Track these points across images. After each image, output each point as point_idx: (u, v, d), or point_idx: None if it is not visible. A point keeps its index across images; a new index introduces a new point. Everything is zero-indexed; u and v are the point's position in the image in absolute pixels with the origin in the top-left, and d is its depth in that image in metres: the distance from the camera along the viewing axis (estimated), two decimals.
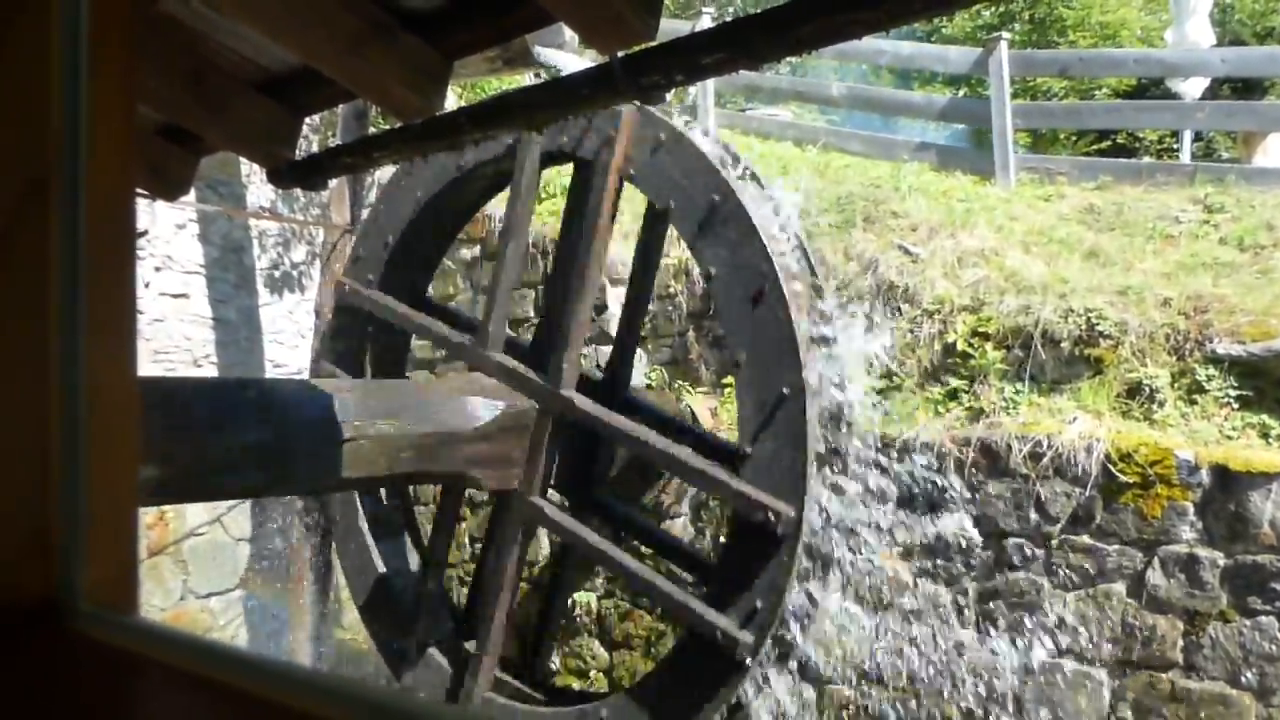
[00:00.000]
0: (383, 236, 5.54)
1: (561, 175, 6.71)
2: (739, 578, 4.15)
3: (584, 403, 4.60)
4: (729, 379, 5.46)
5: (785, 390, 4.01)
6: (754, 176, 4.54)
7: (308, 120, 3.36)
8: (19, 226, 0.58)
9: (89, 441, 0.58)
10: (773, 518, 3.97)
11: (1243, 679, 4.15)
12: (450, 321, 5.59)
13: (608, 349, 5.68)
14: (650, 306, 5.89)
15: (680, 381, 5.98)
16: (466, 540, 6.64)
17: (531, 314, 6.61)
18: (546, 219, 6.57)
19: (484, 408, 4.65)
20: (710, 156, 4.33)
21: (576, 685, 5.85)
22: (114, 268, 0.60)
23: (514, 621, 5.18)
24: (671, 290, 6.07)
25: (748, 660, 4.03)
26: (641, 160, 4.49)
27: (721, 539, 5.28)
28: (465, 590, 6.24)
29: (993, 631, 4.69)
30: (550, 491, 4.94)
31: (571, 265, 4.86)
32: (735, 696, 4.18)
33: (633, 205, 6.21)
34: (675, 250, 5.98)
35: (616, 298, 6.11)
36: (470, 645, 5.15)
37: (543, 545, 6.18)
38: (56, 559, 0.57)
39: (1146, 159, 9.34)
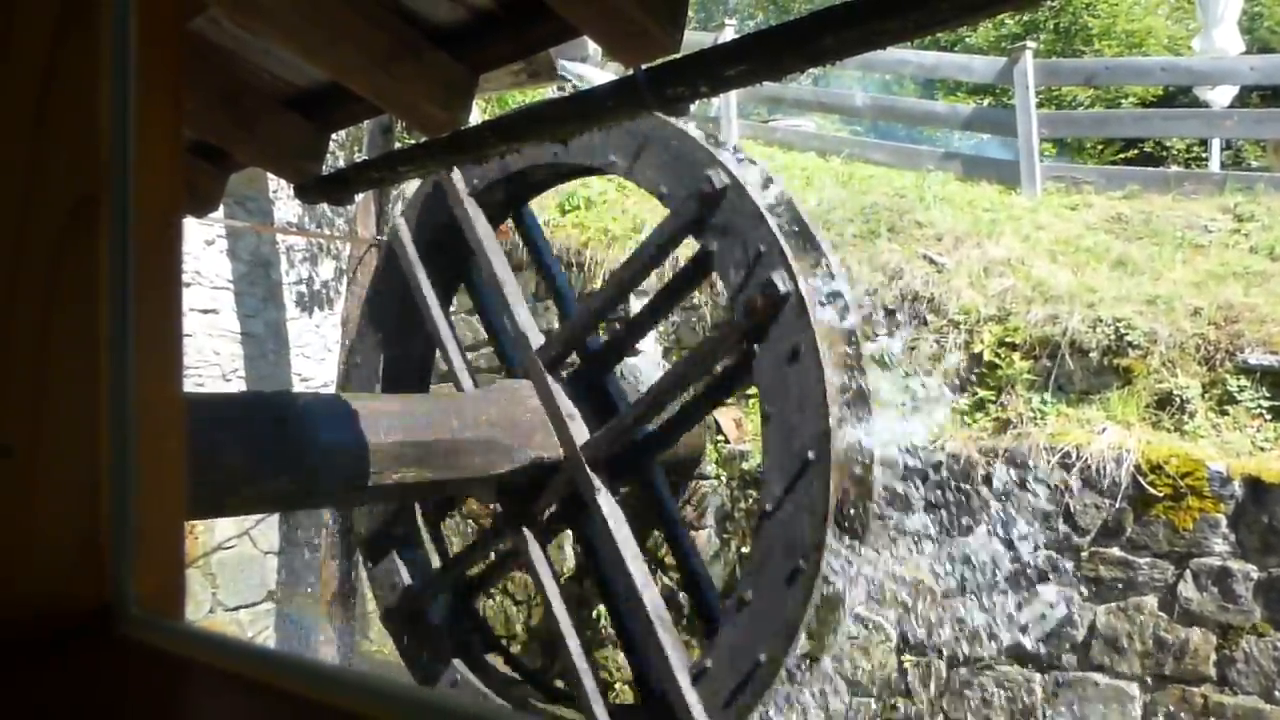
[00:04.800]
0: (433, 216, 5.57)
1: (585, 187, 6.74)
2: (729, 663, 4.16)
3: (605, 502, 4.66)
4: (753, 390, 5.46)
5: (811, 455, 4.01)
6: (799, 222, 4.49)
7: (334, 136, 3.40)
8: (70, 242, 0.60)
9: (138, 455, 0.59)
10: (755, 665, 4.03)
11: (1277, 693, 4.08)
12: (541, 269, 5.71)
13: (633, 360, 5.69)
14: (674, 317, 5.90)
15: None
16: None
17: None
18: (570, 230, 6.61)
19: (512, 456, 4.67)
20: (758, 200, 4.31)
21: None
22: (162, 284, 0.62)
23: (527, 626, 5.18)
24: (695, 300, 6.07)
25: None
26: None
27: (743, 550, 5.25)
28: (487, 601, 6.26)
29: (1022, 644, 4.64)
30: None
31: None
32: None
33: (656, 215, 6.23)
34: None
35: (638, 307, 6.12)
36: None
37: (567, 556, 6.19)
38: (108, 567, 0.58)
39: (1174, 168, 9.25)
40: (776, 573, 4.04)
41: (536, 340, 4.98)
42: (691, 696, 4.14)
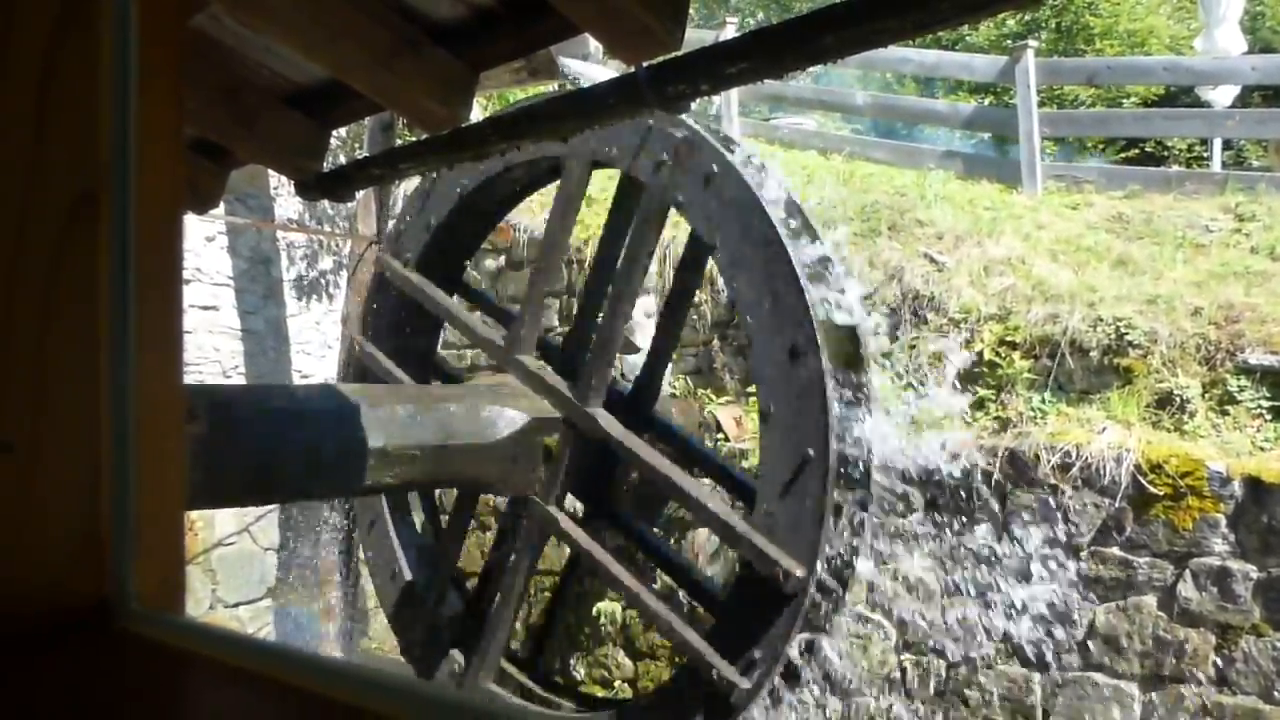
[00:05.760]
0: (426, 217, 5.56)
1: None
2: (744, 621, 4.14)
3: (609, 422, 4.57)
4: (752, 388, 5.46)
5: (810, 453, 4.00)
6: (800, 213, 4.46)
7: (335, 133, 3.40)
8: (71, 239, 0.60)
9: (138, 449, 0.60)
10: (783, 577, 3.95)
11: (1276, 693, 4.08)
12: (488, 310, 5.66)
13: (630, 356, 5.69)
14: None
15: (704, 390, 5.98)
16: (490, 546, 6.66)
17: (556, 323, 6.62)
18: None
19: (507, 421, 4.66)
20: (758, 193, 4.27)
21: (601, 694, 5.85)
22: (162, 281, 0.62)
23: (526, 623, 5.17)
24: (696, 300, 6.07)
25: (740, 707, 4.01)
26: (693, 190, 4.42)
27: (736, 567, 5.25)
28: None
29: (1022, 643, 4.65)
30: (569, 497, 4.94)
31: (610, 280, 4.88)
32: None
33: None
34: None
35: (643, 307, 6.12)
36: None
37: (566, 550, 6.19)
38: (108, 562, 0.59)
39: (1176, 167, 9.24)
40: (786, 470, 4.04)
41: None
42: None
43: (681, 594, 5.47)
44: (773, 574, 3.94)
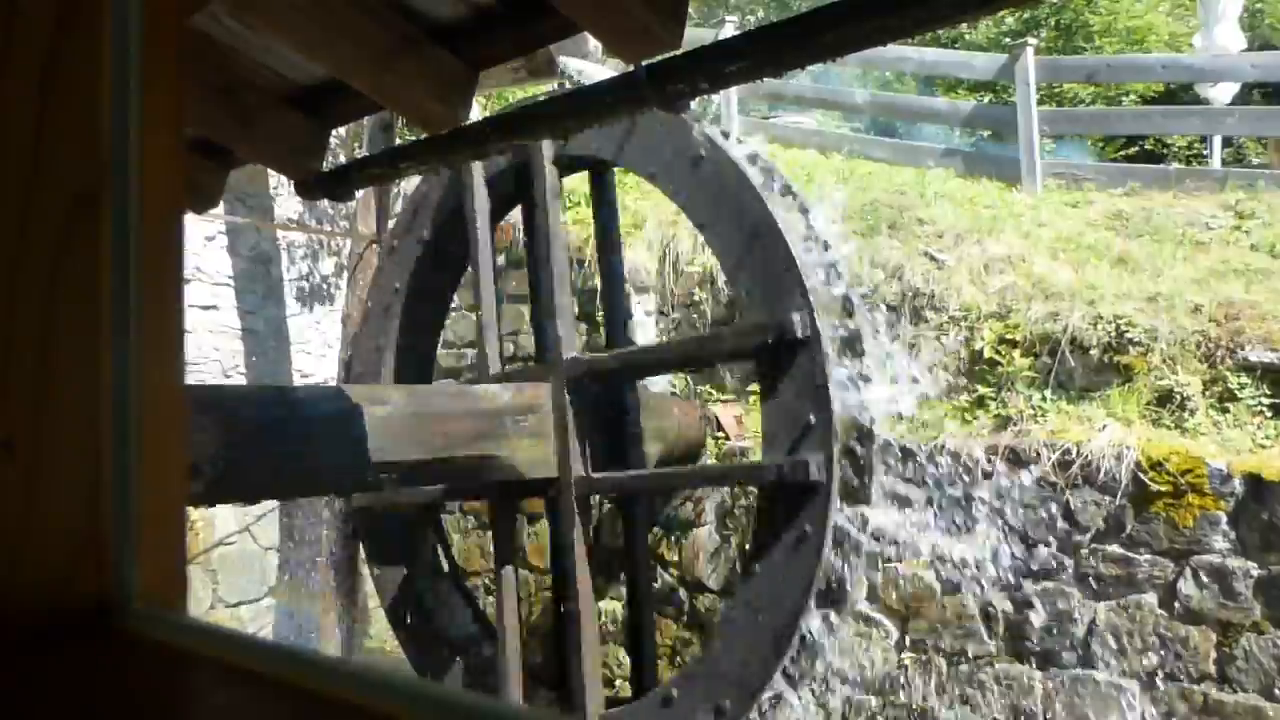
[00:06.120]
0: (418, 233, 5.56)
1: (586, 184, 6.74)
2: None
3: (595, 358, 4.65)
4: (754, 386, 5.46)
5: (811, 420, 4.01)
6: (793, 193, 4.47)
7: (334, 132, 3.40)
8: (71, 238, 0.60)
9: (139, 448, 0.60)
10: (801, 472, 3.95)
11: (1277, 691, 4.08)
12: None
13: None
14: (675, 314, 5.91)
15: (704, 388, 5.98)
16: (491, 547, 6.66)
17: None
18: (571, 227, 6.61)
19: (498, 390, 4.66)
20: (750, 175, 4.27)
21: (604, 693, 5.85)
22: (163, 280, 0.62)
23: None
24: (696, 298, 6.08)
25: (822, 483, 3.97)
26: (681, 171, 4.42)
27: (746, 546, 5.24)
28: (490, 598, 6.26)
29: (1023, 641, 4.65)
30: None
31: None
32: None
33: (658, 212, 6.23)
34: (700, 258, 5.99)
35: (640, 304, 6.12)
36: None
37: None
38: (109, 561, 0.59)
39: (1175, 165, 9.24)
40: (782, 543, 4.04)
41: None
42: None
43: (681, 592, 5.47)
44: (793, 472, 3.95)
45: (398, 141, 6.78)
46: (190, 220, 6.47)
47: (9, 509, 0.57)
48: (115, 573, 0.58)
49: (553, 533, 4.97)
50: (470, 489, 5.18)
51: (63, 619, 0.57)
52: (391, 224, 6.52)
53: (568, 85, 6.25)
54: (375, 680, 0.45)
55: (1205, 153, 9.17)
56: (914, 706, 4.86)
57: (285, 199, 7.29)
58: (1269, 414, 4.45)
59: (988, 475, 4.75)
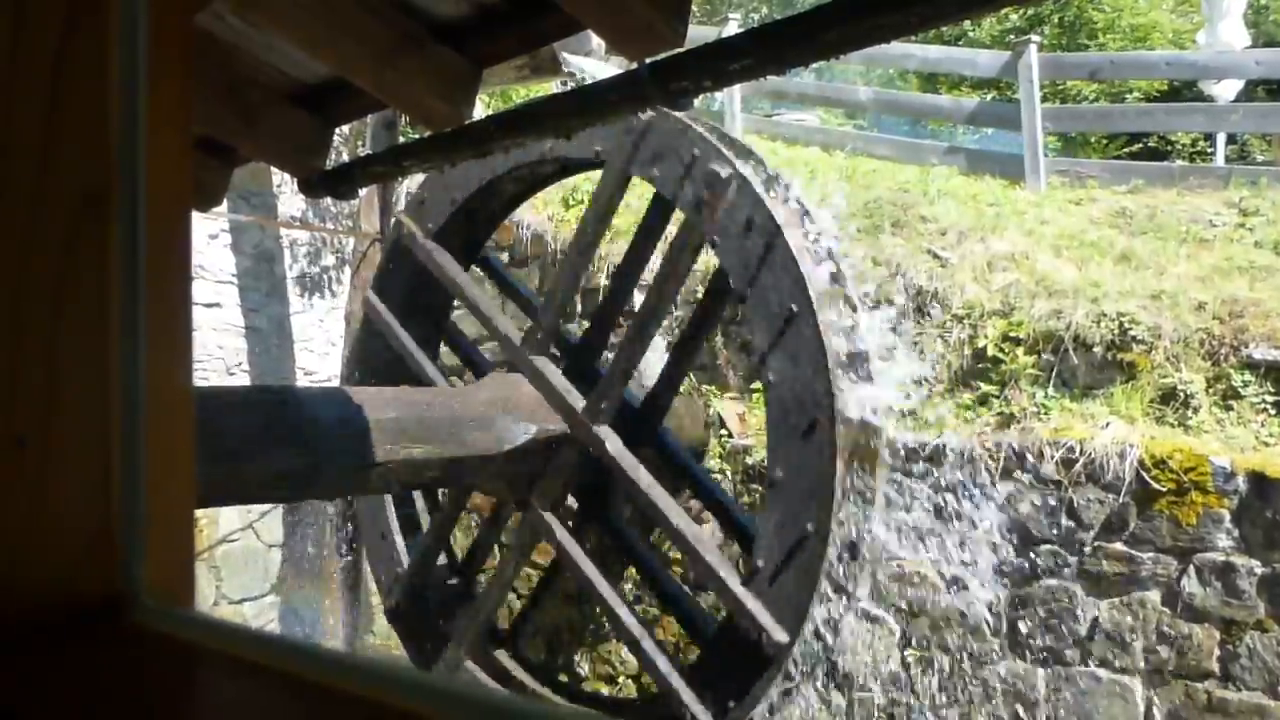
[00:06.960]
0: (450, 192, 5.47)
1: (588, 181, 6.74)
2: (726, 664, 4.15)
3: (617, 448, 4.54)
4: (757, 384, 5.46)
5: (810, 528, 3.98)
6: (840, 280, 4.39)
7: (338, 130, 3.40)
8: (79, 237, 0.61)
9: (148, 444, 0.60)
10: (765, 640, 3.97)
11: None
12: (511, 296, 5.63)
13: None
14: (678, 312, 5.90)
15: (709, 386, 5.98)
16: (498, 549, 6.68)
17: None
18: (573, 224, 6.60)
19: (516, 431, 4.65)
20: (799, 257, 4.14)
21: (605, 691, 5.86)
22: (172, 277, 0.62)
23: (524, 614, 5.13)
24: (701, 297, 6.07)
25: None
26: (731, 234, 4.30)
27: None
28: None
29: (1025, 639, 4.65)
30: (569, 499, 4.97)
31: (630, 286, 4.96)
32: None
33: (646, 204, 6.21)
34: (705, 256, 5.98)
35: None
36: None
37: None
38: (119, 556, 0.59)
39: (1179, 162, 9.23)
40: (786, 539, 4.03)
41: (516, 336, 4.97)
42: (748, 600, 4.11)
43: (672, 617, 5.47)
44: (755, 638, 3.97)
45: (401, 140, 6.79)
46: (194, 218, 6.49)
47: (20, 506, 0.58)
48: (124, 568, 0.59)
49: (493, 518, 5.00)
50: (472, 487, 5.19)
51: (73, 614, 0.58)
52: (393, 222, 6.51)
53: (571, 84, 6.25)
54: (380, 673, 0.46)
55: (1209, 150, 9.17)
56: (917, 704, 4.86)
57: (288, 197, 7.30)
58: (1273, 411, 4.44)
59: (991, 473, 4.75)
